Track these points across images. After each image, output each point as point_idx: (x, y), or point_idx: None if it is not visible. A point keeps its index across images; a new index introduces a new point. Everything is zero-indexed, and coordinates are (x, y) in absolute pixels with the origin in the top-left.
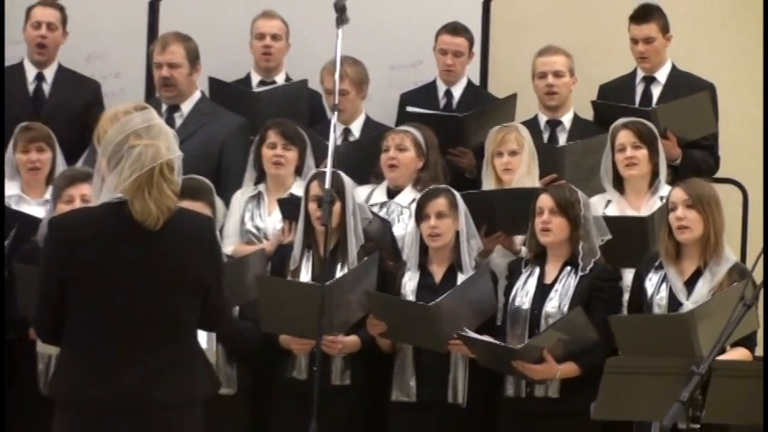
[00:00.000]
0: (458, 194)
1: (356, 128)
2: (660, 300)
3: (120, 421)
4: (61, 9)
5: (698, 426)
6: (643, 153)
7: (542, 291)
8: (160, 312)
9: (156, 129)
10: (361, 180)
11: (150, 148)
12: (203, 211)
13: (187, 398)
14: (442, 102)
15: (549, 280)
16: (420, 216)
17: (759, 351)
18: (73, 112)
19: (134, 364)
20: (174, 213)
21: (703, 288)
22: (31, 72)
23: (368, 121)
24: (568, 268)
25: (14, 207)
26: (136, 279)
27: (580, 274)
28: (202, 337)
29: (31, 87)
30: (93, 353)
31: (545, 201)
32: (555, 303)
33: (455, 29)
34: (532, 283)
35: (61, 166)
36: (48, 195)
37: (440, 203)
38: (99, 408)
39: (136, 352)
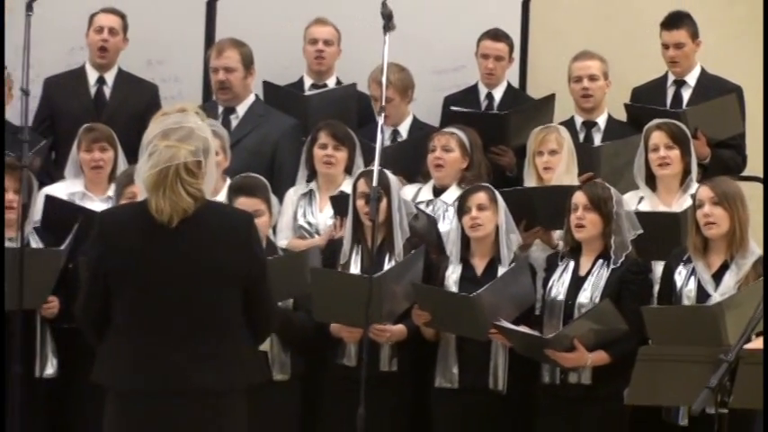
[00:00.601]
0: (497, 192)
1: (404, 129)
2: (689, 292)
3: (164, 406)
4: (122, 16)
5: (726, 411)
6: (675, 153)
7: (576, 283)
8: (193, 304)
9: (186, 131)
10: (409, 179)
11: (169, 150)
12: (259, 208)
13: (229, 385)
14: (484, 104)
15: (582, 272)
16: (462, 209)
17: None
18: (132, 114)
19: (174, 352)
20: (200, 211)
21: (730, 281)
22: (92, 76)
23: (415, 121)
24: (601, 261)
25: (78, 203)
26: (163, 273)
27: (612, 266)
28: None
29: (92, 90)
30: (135, 342)
31: (579, 198)
32: (588, 295)
33: (496, 35)
34: (567, 276)
35: (122, 164)
36: (110, 192)
37: (480, 197)
38: (144, 394)
39: (175, 341)
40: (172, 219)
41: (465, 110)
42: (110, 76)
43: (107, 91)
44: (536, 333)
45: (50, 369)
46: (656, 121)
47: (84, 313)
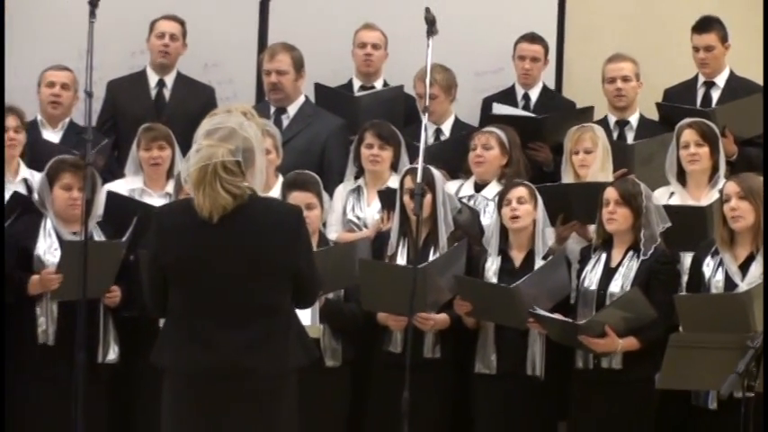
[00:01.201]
0: (536, 188)
1: (446, 128)
2: (717, 282)
3: (218, 387)
4: (182, 23)
5: (752, 394)
6: (705, 150)
7: (608, 273)
8: (240, 293)
9: (227, 131)
10: (451, 175)
11: (209, 149)
12: (311, 201)
13: (279, 368)
14: (521, 104)
15: (614, 263)
16: (501, 203)
17: None
18: (190, 115)
19: (226, 338)
20: (243, 205)
21: (756, 271)
22: (153, 79)
23: (457, 121)
24: (631, 253)
25: (138, 198)
26: (210, 265)
27: (642, 258)
28: (306, 315)
29: (153, 92)
30: (191, 328)
31: (611, 193)
32: (619, 284)
33: (533, 37)
34: (599, 267)
35: (179, 162)
36: (168, 188)
37: (521, 191)
38: (199, 376)
39: (227, 328)
40: (212, 215)
41: (505, 109)
42: (169, 79)
43: (167, 93)
44: (570, 320)
45: (112, 355)
46: (688, 119)
47: (151, 301)
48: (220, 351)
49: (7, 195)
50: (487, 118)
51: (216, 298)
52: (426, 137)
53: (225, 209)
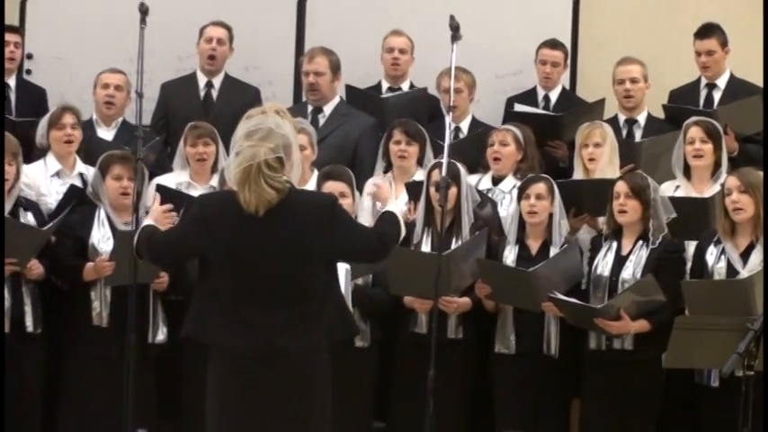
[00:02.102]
0: (554, 183)
1: (465, 125)
2: (720, 269)
3: (258, 365)
4: (229, 29)
5: (752, 373)
6: (709, 147)
7: (619, 261)
8: (282, 279)
9: (265, 131)
10: (470, 169)
11: (251, 149)
12: (344, 190)
13: (314, 347)
14: (541, 104)
15: (624, 252)
16: (521, 196)
17: None
18: (236, 114)
19: (266, 320)
20: (285, 198)
21: (756, 258)
22: (202, 80)
23: (474, 120)
24: (641, 242)
25: (184, 191)
26: (255, 254)
27: (650, 247)
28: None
29: (201, 93)
30: (234, 311)
31: (621, 187)
32: (630, 271)
33: (554, 44)
34: (611, 255)
35: (223, 158)
36: (213, 182)
37: (540, 187)
38: (242, 355)
39: (267, 311)
40: (258, 209)
41: (525, 111)
42: (217, 81)
43: (214, 93)
44: (587, 304)
45: (161, 336)
46: (694, 118)
47: (162, 246)
48: (261, 332)
49: (65, 188)
50: (509, 115)
51: (259, 284)
52: (450, 134)
53: (270, 203)
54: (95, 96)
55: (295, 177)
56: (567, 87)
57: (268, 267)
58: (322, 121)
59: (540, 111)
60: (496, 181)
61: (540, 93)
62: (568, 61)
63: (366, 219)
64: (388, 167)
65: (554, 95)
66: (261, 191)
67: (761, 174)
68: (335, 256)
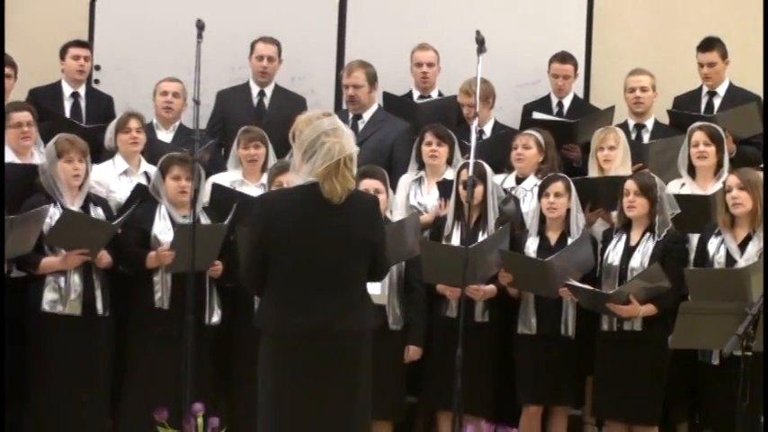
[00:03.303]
0: (571, 181)
1: (488, 129)
2: (720, 258)
3: (311, 346)
4: (277, 44)
5: (750, 353)
6: (712, 149)
7: (628, 251)
8: (340, 265)
9: (341, 130)
10: (495, 169)
11: (337, 145)
12: (378, 187)
13: (360, 328)
14: (555, 111)
15: (633, 243)
16: (542, 193)
17: None
18: (285, 120)
19: (321, 303)
20: (350, 194)
21: (752, 249)
22: (254, 89)
23: (496, 123)
24: (648, 234)
25: (238, 188)
26: (321, 242)
27: (656, 239)
28: (375, 287)
29: (255, 101)
30: (290, 295)
31: (630, 185)
32: (638, 261)
33: (564, 57)
34: (621, 246)
35: (272, 159)
36: (263, 180)
37: (558, 186)
38: (295, 336)
39: (322, 294)
40: (341, 197)
41: (542, 118)
42: (268, 90)
43: (266, 102)
44: (599, 290)
45: (216, 317)
46: (699, 123)
47: (247, 274)
48: (316, 315)
49: (132, 186)
50: (528, 122)
51: (315, 270)
52: (475, 138)
53: (350, 191)
54: (155, 102)
55: None
56: (582, 96)
57: (329, 254)
58: (361, 126)
59: (555, 118)
60: (519, 180)
61: (554, 100)
62: (578, 71)
63: (400, 211)
64: (421, 167)
65: (567, 102)
66: (345, 181)
67: (759, 173)
68: (372, 250)
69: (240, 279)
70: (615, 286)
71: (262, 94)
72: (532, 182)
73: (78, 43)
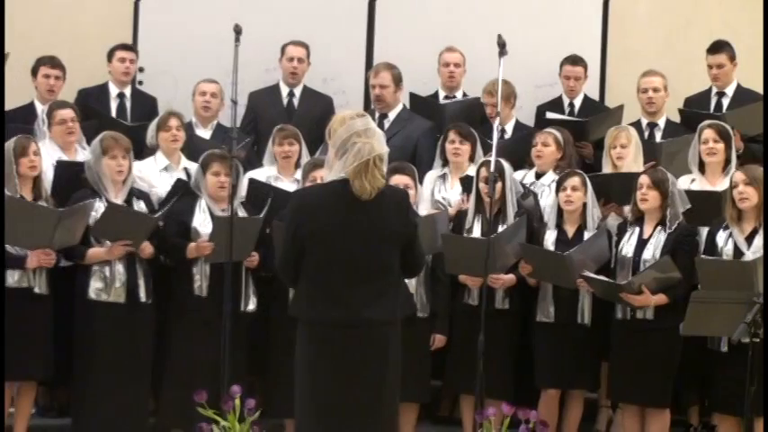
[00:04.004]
0: (587, 177)
1: (509, 128)
2: (728, 250)
3: (344, 333)
4: (306, 47)
5: (757, 340)
6: (720, 146)
7: (641, 243)
8: (370, 257)
9: (372, 131)
10: (516, 166)
11: (367, 145)
12: (409, 182)
13: (389, 318)
14: (567, 110)
15: (645, 236)
16: (559, 188)
17: None
18: (313, 119)
19: (350, 293)
20: (381, 189)
21: (759, 242)
22: (284, 90)
23: (517, 123)
24: (660, 227)
25: (273, 183)
26: (352, 234)
27: (668, 231)
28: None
29: (285, 101)
30: (322, 286)
31: (644, 180)
32: (650, 252)
33: (574, 60)
34: (634, 238)
35: (305, 156)
36: (297, 176)
37: (575, 181)
38: (327, 324)
39: (354, 284)
40: (371, 194)
41: (556, 117)
42: (297, 91)
43: (295, 101)
44: (614, 281)
45: (252, 305)
46: (708, 121)
47: (282, 267)
48: (348, 304)
49: (172, 181)
50: (542, 121)
51: (348, 261)
52: (497, 136)
53: (379, 189)
54: (194, 102)
55: None
56: (597, 96)
57: (356, 245)
58: (387, 124)
59: (567, 117)
60: (539, 176)
61: (566, 101)
62: (595, 72)
63: (425, 205)
64: (445, 163)
65: (577, 103)
66: (374, 179)
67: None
68: (404, 243)
69: (275, 269)
70: (629, 277)
71: (291, 94)
72: (551, 177)
73: (124, 47)
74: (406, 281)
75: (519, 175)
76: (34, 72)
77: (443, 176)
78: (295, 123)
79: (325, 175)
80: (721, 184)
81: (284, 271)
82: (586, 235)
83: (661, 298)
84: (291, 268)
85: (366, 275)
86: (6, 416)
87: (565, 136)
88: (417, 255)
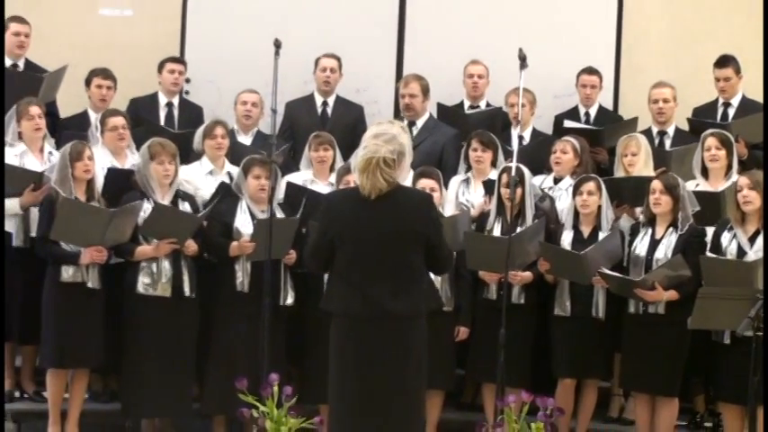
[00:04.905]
0: (602, 181)
1: (527, 135)
2: (732, 249)
3: (370, 326)
4: (338, 59)
5: (760, 333)
6: (722, 153)
7: (653, 244)
8: (387, 255)
9: (389, 136)
10: (533, 171)
11: (375, 147)
12: (434, 185)
13: (411, 312)
14: (583, 119)
15: (658, 236)
16: (575, 192)
17: None
18: (345, 126)
19: (375, 288)
20: (393, 190)
21: (761, 242)
22: (318, 100)
23: (534, 131)
24: (671, 229)
25: (309, 186)
26: (368, 234)
27: (679, 232)
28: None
29: (319, 110)
30: (350, 281)
31: (656, 184)
32: (662, 252)
33: (591, 70)
34: (647, 239)
35: (339, 161)
36: (331, 179)
37: (590, 185)
38: (355, 317)
39: (374, 280)
40: (371, 194)
41: (572, 126)
42: (331, 100)
43: (329, 110)
44: (628, 277)
45: (290, 299)
46: (711, 130)
47: (309, 257)
48: (371, 298)
49: (216, 184)
50: (560, 130)
51: (370, 258)
52: (518, 143)
53: (381, 191)
54: (236, 111)
55: (402, 178)
56: (611, 106)
57: (376, 243)
58: (415, 132)
59: (584, 126)
60: (557, 180)
61: (582, 110)
62: (609, 84)
63: (450, 208)
64: (468, 169)
65: (593, 111)
66: (375, 180)
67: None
68: (426, 243)
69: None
70: (642, 274)
71: (325, 103)
72: (568, 182)
73: (173, 59)
74: (432, 277)
75: (538, 179)
76: (88, 83)
77: (467, 180)
78: (328, 131)
79: (354, 178)
80: (722, 188)
81: (310, 260)
82: (601, 235)
83: (672, 294)
84: (317, 259)
85: (385, 272)
86: (61, 401)
87: (582, 144)
88: (443, 254)
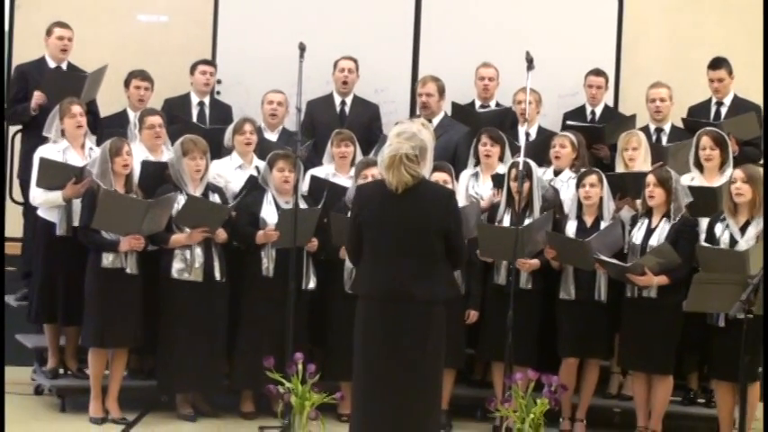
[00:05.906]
0: (603, 174)
1: (533, 131)
2: (725, 239)
3: (392, 307)
4: (355, 60)
5: (751, 316)
6: (716, 152)
7: (649, 232)
8: (407, 243)
9: (409, 134)
10: (540, 165)
11: (396, 145)
12: (447, 178)
13: (430, 298)
14: (589, 117)
15: (653, 226)
16: (579, 184)
17: None
18: (362, 124)
19: (397, 272)
20: (417, 184)
21: (751, 232)
22: (337, 99)
23: (540, 128)
24: (665, 219)
25: (331, 179)
26: (391, 224)
27: (672, 222)
28: None
29: (337, 108)
30: (376, 266)
31: (651, 178)
32: (655, 240)
33: (598, 72)
34: (643, 228)
35: (359, 156)
36: (352, 173)
37: (593, 178)
38: (378, 298)
39: (395, 266)
40: (397, 189)
41: (576, 124)
42: (348, 99)
43: (347, 109)
44: (621, 263)
45: (312, 284)
46: (705, 129)
47: (347, 247)
48: (392, 281)
49: (245, 178)
50: (565, 128)
51: (394, 246)
52: (526, 139)
53: (407, 185)
54: (263, 109)
55: (426, 172)
56: (612, 105)
57: (400, 232)
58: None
59: (586, 124)
60: (556, 173)
61: (588, 109)
62: (609, 84)
63: (461, 201)
64: (477, 163)
65: (599, 111)
66: (400, 175)
67: (760, 169)
68: (446, 235)
69: (329, 253)
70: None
71: (343, 103)
72: (567, 175)
73: (205, 62)
74: None
75: (539, 172)
76: (127, 83)
77: (476, 174)
78: (346, 128)
79: (374, 171)
80: (718, 183)
81: (349, 251)
82: (603, 225)
83: (662, 279)
84: (353, 248)
85: (405, 259)
86: (102, 378)
87: (579, 139)
88: (457, 248)
